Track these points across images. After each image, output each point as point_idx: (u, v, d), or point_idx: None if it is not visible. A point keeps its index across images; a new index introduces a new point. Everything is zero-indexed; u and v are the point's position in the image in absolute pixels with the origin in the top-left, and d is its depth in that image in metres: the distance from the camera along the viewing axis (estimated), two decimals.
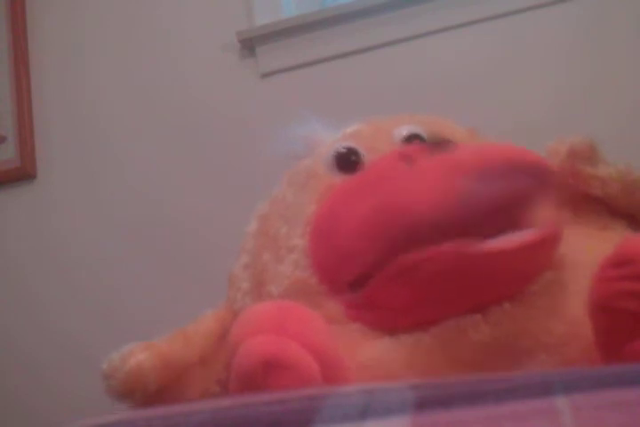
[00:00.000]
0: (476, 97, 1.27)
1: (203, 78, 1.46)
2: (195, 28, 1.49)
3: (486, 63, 1.29)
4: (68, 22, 1.58)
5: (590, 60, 1.24)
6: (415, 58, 1.34)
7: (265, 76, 1.42)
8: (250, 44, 1.43)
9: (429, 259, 0.62)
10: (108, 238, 1.44)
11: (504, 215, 0.63)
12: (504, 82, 1.27)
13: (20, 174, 1.51)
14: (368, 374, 0.62)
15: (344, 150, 0.79)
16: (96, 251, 1.44)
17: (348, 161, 0.78)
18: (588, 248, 0.69)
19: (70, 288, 1.43)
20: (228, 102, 1.43)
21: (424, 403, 0.32)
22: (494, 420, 0.29)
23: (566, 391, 0.31)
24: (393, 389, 0.36)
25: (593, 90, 1.22)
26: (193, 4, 1.51)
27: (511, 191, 0.63)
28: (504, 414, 0.30)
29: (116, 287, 1.41)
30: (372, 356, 0.64)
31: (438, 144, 0.68)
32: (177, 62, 1.49)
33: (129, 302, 1.38)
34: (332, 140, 0.84)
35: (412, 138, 0.80)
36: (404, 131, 0.81)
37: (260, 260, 0.80)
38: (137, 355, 0.75)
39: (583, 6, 1.26)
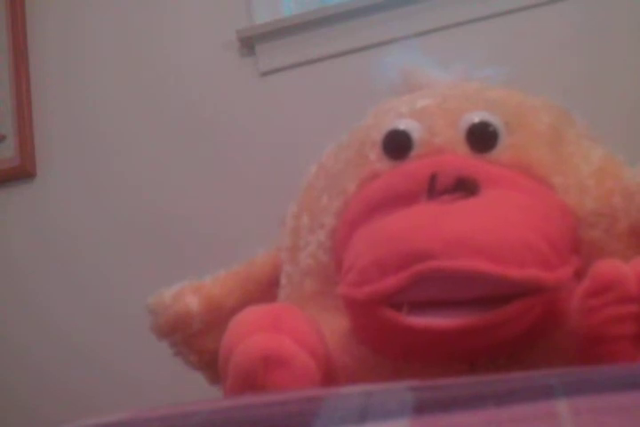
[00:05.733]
0: None
1: (202, 77, 1.46)
2: (194, 27, 1.49)
3: (486, 62, 1.29)
4: (67, 22, 1.57)
5: (590, 58, 1.24)
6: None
7: (265, 74, 1.42)
8: (250, 43, 1.43)
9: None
10: (107, 237, 1.44)
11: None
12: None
13: (20, 173, 1.51)
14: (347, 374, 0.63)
15: (394, 135, 0.72)
16: (96, 249, 1.44)
17: (396, 147, 0.72)
18: None
19: (70, 287, 1.43)
20: (228, 101, 1.43)
21: (423, 406, 0.32)
22: (494, 424, 0.29)
23: (567, 395, 0.31)
24: (392, 391, 0.36)
25: (593, 89, 1.22)
26: (193, 3, 1.50)
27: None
28: (504, 417, 0.30)
29: (117, 286, 1.40)
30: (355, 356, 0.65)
31: (464, 186, 0.63)
32: (177, 61, 1.49)
33: (129, 301, 1.38)
34: (396, 112, 0.76)
35: (477, 130, 0.71)
36: (475, 118, 0.72)
37: (300, 221, 0.78)
38: (187, 297, 0.77)
39: (583, 5, 1.25)
